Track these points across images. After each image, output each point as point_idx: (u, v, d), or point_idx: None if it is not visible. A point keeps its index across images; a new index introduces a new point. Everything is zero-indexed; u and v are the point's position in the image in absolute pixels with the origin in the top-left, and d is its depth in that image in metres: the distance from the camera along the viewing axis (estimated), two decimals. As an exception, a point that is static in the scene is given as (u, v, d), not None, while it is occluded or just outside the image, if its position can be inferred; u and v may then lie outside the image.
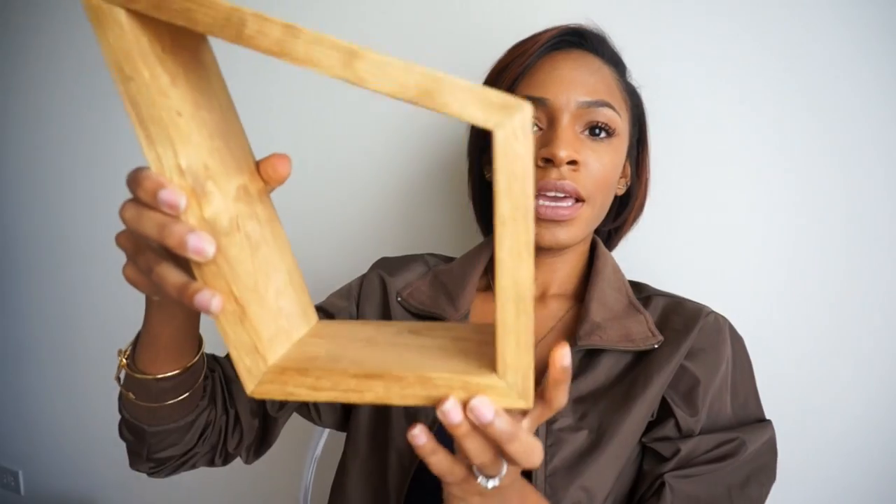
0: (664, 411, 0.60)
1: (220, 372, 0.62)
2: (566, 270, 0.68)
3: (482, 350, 0.37)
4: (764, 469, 0.60)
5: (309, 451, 0.90)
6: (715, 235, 0.81)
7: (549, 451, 0.57)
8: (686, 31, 0.80)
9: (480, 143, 0.70)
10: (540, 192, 0.59)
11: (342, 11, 1.00)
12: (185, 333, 0.49)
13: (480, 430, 0.34)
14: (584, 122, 0.60)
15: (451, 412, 0.33)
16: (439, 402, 0.34)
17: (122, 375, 0.54)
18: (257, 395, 0.36)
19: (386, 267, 0.73)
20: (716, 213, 0.81)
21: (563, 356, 0.35)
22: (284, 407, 0.67)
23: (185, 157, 0.33)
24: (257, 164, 0.39)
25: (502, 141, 0.30)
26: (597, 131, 0.61)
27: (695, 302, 0.65)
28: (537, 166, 0.60)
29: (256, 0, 0.41)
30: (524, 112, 0.29)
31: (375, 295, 0.70)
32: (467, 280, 0.67)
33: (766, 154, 0.78)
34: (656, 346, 0.60)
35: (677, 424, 0.58)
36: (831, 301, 0.76)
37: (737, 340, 0.64)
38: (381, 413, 0.65)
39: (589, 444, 0.57)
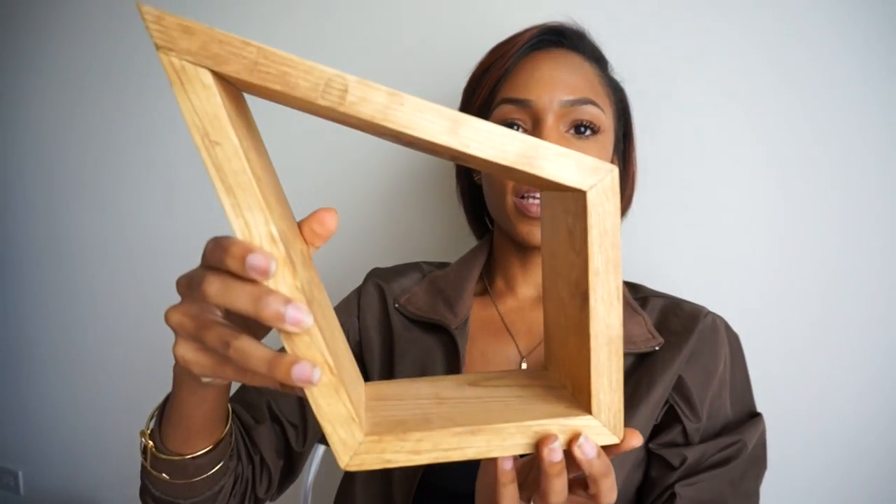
0: (670, 417, 0.60)
1: (238, 421, 0.60)
2: None
3: (554, 393, 0.39)
4: (757, 461, 0.62)
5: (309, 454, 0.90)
6: (709, 234, 0.81)
7: None
8: (683, 28, 0.80)
9: None
10: (527, 193, 0.59)
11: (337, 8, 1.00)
12: (218, 410, 0.46)
13: (577, 467, 0.36)
14: (569, 122, 0.60)
15: (557, 451, 0.35)
16: (543, 441, 0.35)
17: (149, 456, 0.49)
18: (353, 468, 0.35)
19: (381, 276, 0.73)
20: (710, 211, 0.81)
21: (549, 451, 0.35)
22: (308, 439, 0.66)
23: (274, 222, 0.31)
24: (300, 224, 0.36)
25: (594, 200, 0.33)
26: (582, 129, 0.61)
27: (692, 303, 0.66)
28: None
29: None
30: (613, 174, 0.33)
31: (374, 304, 0.70)
32: (464, 285, 0.67)
33: (760, 152, 0.78)
34: (657, 349, 0.60)
35: (684, 431, 0.59)
36: (825, 298, 0.77)
37: (733, 338, 0.65)
38: None
39: None
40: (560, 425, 0.36)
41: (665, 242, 0.83)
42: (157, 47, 0.28)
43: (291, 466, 0.65)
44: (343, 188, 1.01)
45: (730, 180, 0.80)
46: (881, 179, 0.74)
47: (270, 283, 0.30)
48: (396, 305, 0.69)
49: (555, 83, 0.60)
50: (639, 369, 0.61)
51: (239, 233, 0.30)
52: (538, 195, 0.59)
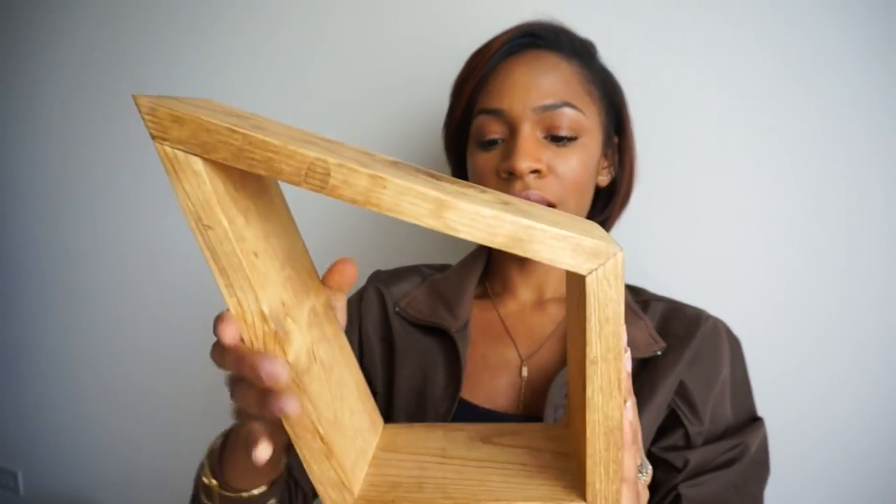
0: (672, 420, 0.60)
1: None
2: (560, 272, 0.68)
3: (560, 465, 0.38)
4: (760, 465, 0.61)
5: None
6: (711, 235, 0.81)
7: None
8: (682, 24, 0.80)
9: (456, 150, 0.69)
10: (520, 195, 0.58)
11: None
12: (281, 452, 0.48)
13: None
14: (545, 127, 0.59)
15: None
16: None
17: (216, 497, 0.52)
18: None
19: (381, 279, 0.73)
20: (712, 212, 0.81)
21: None
22: None
23: (266, 300, 0.32)
24: (322, 279, 0.39)
25: (593, 285, 0.30)
26: (558, 139, 0.59)
27: (692, 306, 0.66)
28: (501, 179, 0.59)
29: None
30: (616, 258, 0.30)
31: (374, 309, 0.70)
32: (464, 289, 0.67)
33: (764, 153, 0.78)
34: (659, 353, 0.60)
35: (686, 435, 0.59)
36: (828, 300, 0.77)
37: (733, 342, 0.64)
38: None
39: None
40: None
41: (666, 244, 0.83)
42: (153, 137, 0.30)
43: None
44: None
45: (732, 181, 0.80)
46: (884, 179, 0.74)
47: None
48: (397, 309, 0.68)
49: (527, 89, 0.59)
50: (641, 374, 0.61)
51: (233, 309, 0.33)
52: (531, 198, 0.58)
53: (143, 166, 1.20)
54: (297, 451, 0.35)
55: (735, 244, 0.80)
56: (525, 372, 0.64)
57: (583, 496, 0.35)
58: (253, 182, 0.35)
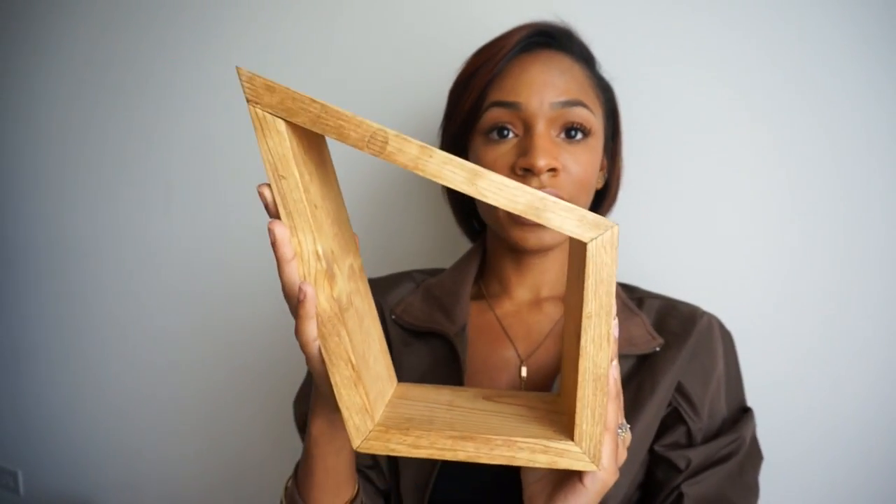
0: (673, 418, 0.61)
1: None
2: (555, 271, 0.68)
3: (552, 418, 0.44)
4: (753, 454, 0.63)
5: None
6: (708, 233, 0.81)
7: None
8: (678, 24, 0.80)
9: (455, 148, 0.68)
10: None
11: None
12: (351, 460, 0.54)
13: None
14: (560, 125, 0.60)
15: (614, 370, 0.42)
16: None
17: None
18: (363, 450, 0.42)
19: (375, 288, 0.72)
20: (708, 210, 0.81)
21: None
22: (385, 474, 0.68)
23: (321, 243, 0.39)
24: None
25: (593, 252, 0.37)
26: (573, 133, 0.60)
27: (687, 303, 0.66)
28: (516, 175, 0.59)
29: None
30: (613, 230, 0.37)
31: None
32: (460, 291, 0.67)
33: (759, 151, 0.78)
34: (658, 350, 0.61)
35: (688, 432, 0.60)
36: (826, 298, 0.77)
37: (726, 337, 0.66)
38: None
39: None
40: (543, 446, 0.41)
41: (666, 244, 0.83)
42: (248, 101, 0.37)
43: (388, 499, 0.70)
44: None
45: (728, 180, 0.80)
46: (883, 180, 0.74)
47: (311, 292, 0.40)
48: (393, 317, 0.68)
49: (545, 86, 0.59)
50: (641, 371, 0.61)
51: (294, 247, 0.39)
52: None
53: (144, 167, 1.20)
54: (331, 377, 0.40)
55: (733, 244, 0.80)
56: (524, 372, 0.64)
57: (571, 437, 0.41)
58: (317, 153, 0.41)
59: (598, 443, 0.40)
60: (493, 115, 0.61)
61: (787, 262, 0.78)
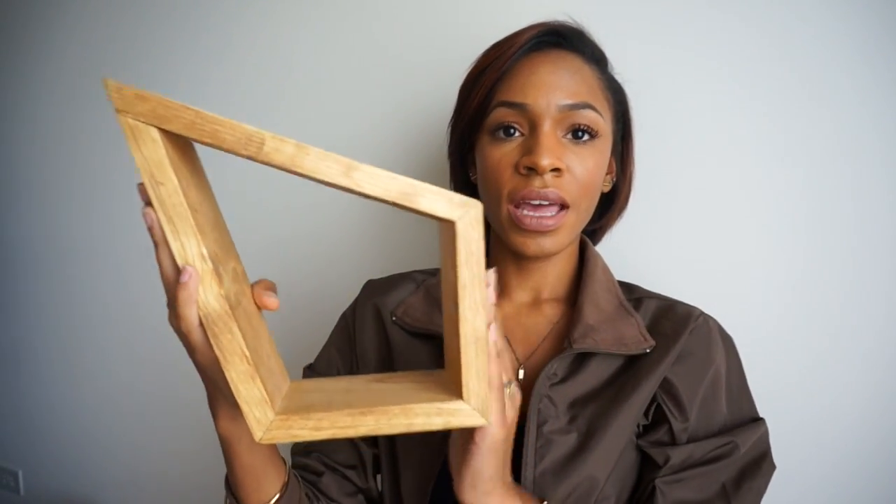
0: (658, 415, 0.61)
1: (303, 482, 0.64)
2: (556, 273, 0.68)
3: (441, 387, 0.47)
4: (758, 461, 0.61)
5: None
6: (712, 235, 0.81)
7: (539, 452, 0.58)
8: (684, 25, 0.80)
9: (463, 145, 0.68)
10: (523, 201, 0.58)
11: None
12: (269, 456, 0.54)
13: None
14: (566, 126, 0.59)
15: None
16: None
17: None
18: (265, 441, 0.42)
19: (375, 290, 0.73)
20: (713, 211, 0.81)
21: None
22: (369, 475, 0.70)
23: (205, 245, 0.40)
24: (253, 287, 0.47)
25: (461, 229, 0.40)
26: (579, 134, 0.60)
27: (686, 304, 0.66)
28: (520, 174, 0.59)
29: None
30: (477, 208, 0.40)
31: (369, 324, 0.70)
32: None
33: (763, 152, 0.78)
34: (648, 351, 0.61)
35: (671, 430, 0.60)
36: (830, 302, 0.77)
37: (726, 340, 0.65)
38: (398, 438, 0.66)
39: (577, 446, 0.58)
40: (437, 408, 0.43)
41: (669, 246, 0.83)
42: (117, 111, 0.38)
43: (371, 499, 0.70)
44: (336, 196, 1.01)
45: (734, 182, 0.80)
46: (888, 181, 0.74)
47: (200, 291, 0.41)
48: (394, 318, 0.68)
49: (553, 87, 0.59)
50: (627, 371, 0.61)
51: (176, 253, 0.40)
52: (535, 202, 0.59)
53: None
54: (227, 374, 0.41)
55: (738, 247, 0.80)
56: (521, 374, 0.64)
57: (460, 396, 0.43)
58: (189, 161, 0.43)
59: (486, 399, 0.43)
60: (500, 115, 0.60)
61: (792, 265, 0.78)
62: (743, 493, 0.59)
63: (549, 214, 0.58)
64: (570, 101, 0.59)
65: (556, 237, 0.60)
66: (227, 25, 1.09)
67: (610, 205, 0.71)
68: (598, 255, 0.69)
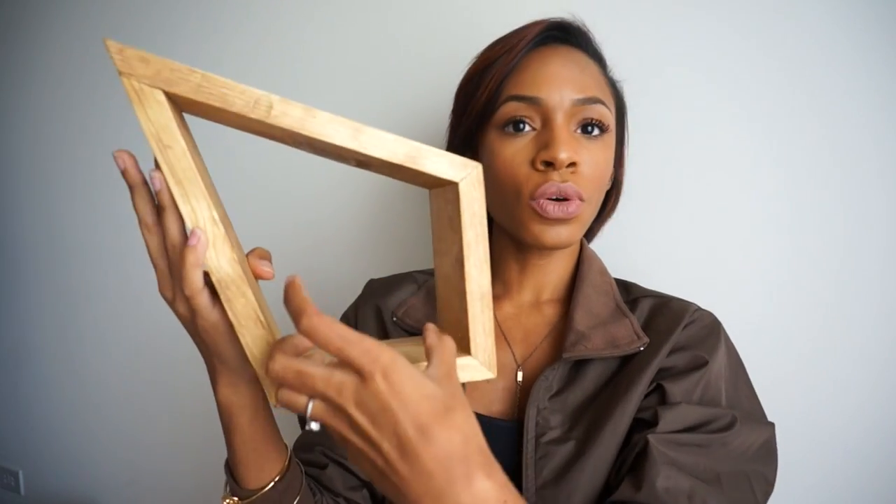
0: (652, 392, 0.58)
1: (306, 475, 0.62)
2: (558, 273, 0.68)
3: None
4: (753, 469, 0.58)
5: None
6: (711, 234, 0.81)
7: (539, 464, 0.57)
8: (681, 27, 0.80)
9: (468, 142, 0.66)
10: (541, 197, 0.57)
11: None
12: (270, 424, 0.53)
13: None
14: (578, 121, 0.59)
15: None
16: None
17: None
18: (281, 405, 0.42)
19: (377, 290, 0.72)
20: (712, 211, 0.81)
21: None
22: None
23: (215, 208, 0.40)
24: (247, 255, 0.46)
25: (464, 189, 0.42)
26: (589, 129, 0.59)
27: (682, 301, 0.65)
28: (536, 170, 0.58)
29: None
30: (478, 169, 0.42)
31: (371, 325, 0.70)
32: None
33: (761, 152, 0.78)
34: (641, 349, 0.60)
35: (663, 391, 0.57)
36: (827, 300, 0.77)
37: (724, 335, 0.63)
38: None
39: (575, 453, 0.57)
40: None
41: (667, 245, 0.83)
42: (120, 73, 0.36)
43: (374, 493, 0.69)
44: (338, 194, 1.02)
45: (730, 181, 0.80)
46: (885, 180, 0.74)
47: (210, 254, 0.40)
48: (395, 319, 0.68)
49: (565, 81, 0.58)
50: (621, 372, 0.60)
51: (187, 217, 0.39)
52: (555, 199, 0.58)
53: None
54: (241, 339, 0.41)
55: (735, 245, 0.80)
56: (520, 376, 0.64)
57: (468, 351, 0.44)
58: (188, 134, 0.42)
59: (492, 353, 0.44)
60: (511, 109, 0.59)
61: (789, 263, 0.78)
62: (739, 499, 0.56)
63: (573, 204, 0.58)
64: (582, 96, 0.59)
65: (573, 227, 0.59)
66: (230, 24, 1.09)
67: (606, 201, 0.71)
68: (594, 257, 0.69)
